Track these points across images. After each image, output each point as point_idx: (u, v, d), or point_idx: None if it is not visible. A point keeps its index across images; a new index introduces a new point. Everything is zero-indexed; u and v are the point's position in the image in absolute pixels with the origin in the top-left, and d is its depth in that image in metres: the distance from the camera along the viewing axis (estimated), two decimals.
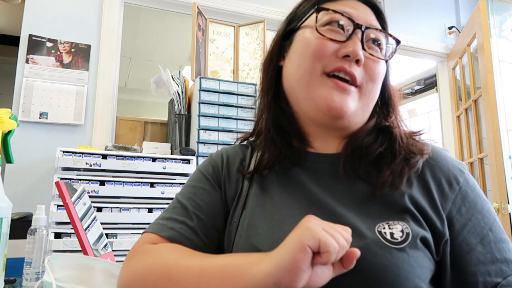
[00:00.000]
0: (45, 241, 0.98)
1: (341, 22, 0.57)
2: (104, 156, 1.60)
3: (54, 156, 1.55)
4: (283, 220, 0.54)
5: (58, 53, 1.98)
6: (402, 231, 0.50)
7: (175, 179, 1.69)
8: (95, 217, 1.03)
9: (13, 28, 3.59)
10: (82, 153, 1.57)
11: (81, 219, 0.95)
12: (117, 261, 0.96)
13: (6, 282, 0.96)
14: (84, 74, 2.00)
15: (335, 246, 0.40)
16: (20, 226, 1.12)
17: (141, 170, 1.64)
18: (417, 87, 3.61)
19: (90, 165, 1.57)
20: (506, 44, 2.87)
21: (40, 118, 1.89)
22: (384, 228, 0.50)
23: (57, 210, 1.44)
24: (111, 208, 1.56)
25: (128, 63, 4.66)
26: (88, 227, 0.96)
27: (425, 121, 3.84)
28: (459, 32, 2.91)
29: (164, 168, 1.68)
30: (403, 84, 3.55)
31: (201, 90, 1.93)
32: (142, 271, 0.52)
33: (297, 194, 0.58)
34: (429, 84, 3.49)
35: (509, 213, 2.20)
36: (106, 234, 1.28)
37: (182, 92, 2.07)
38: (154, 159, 1.67)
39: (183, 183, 1.68)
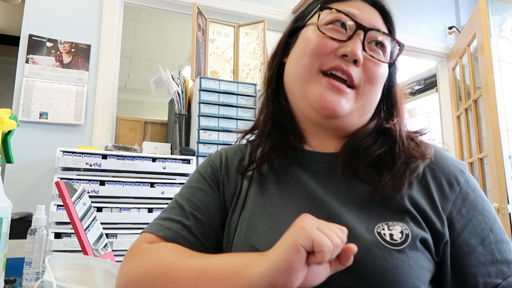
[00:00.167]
0: (45, 241, 0.98)
1: (344, 22, 0.57)
2: (104, 156, 1.60)
3: (54, 156, 1.54)
4: (282, 221, 0.54)
5: (58, 53, 1.98)
6: (401, 232, 0.50)
7: (175, 179, 1.69)
8: (95, 217, 1.03)
9: (13, 28, 3.59)
10: (82, 153, 1.57)
11: (81, 219, 0.95)
12: (117, 261, 0.96)
13: (6, 282, 0.96)
14: (84, 74, 2.00)
15: (329, 245, 0.40)
16: (20, 226, 1.12)
17: (141, 170, 1.64)
18: (417, 87, 3.61)
19: (90, 165, 1.56)
20: (506, 44, 2.87)
21: (40, 118, 1.89)
22: (383, 229, 0.50)
23: (57, 210, 1.44)
24: (111, 208, 1.56)
25: (128, 63, 4.66)
26: (88, 227, 0.96)
27: (425, 121, 3.84)
28: (459, 32, 2.91)
29: (164, 168, 1.68)
30: (403, 84, 3.54)
31: (201, 90, 1.93)
32: (140, 271, 0.52)
33: (296, 193, 0.58)
34: (429, 84, 3.49)
35: (509, 213, 2.20)
36: (106, 234, 1.28)
37: (182, 92, 2.07)
38: (154, 159, 1.67)
39: (183, 183, 1.68)
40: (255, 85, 2.06)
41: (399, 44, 0.60)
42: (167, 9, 2.38)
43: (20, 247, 1.00)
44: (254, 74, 2.25)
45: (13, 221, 0.91)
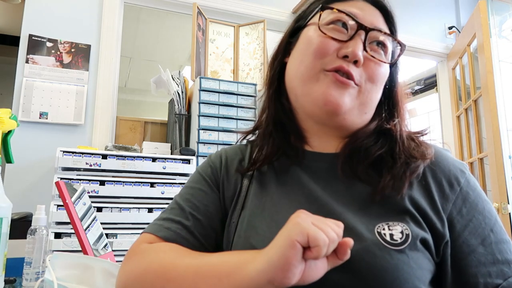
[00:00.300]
0: (45, 241, 0.98)
1: (345, 22, 0.57)
2: (104, 156, 1.60)
3: (54, 156, 1.54)
4: (282, 221, 0.54)
5: (58, 53, 1.98)
6: (401, 232, 0.49)
7: (175, 179, 1.69)
8: (95, 217, 1.03)
9: (13, 28, 3.59)
10: (82, 153, 1.57)
11: (81, 219, 0.95)
12: (117, 261, 0.96)
13: (6, 282, 0.96)
14: (84, 74, 2.00)
15: (325, 239, 0.40)
16: (20, 226, 1.12)
17: (141, 170, 1.64)
18: (417, 87, 3.61)
19: (90, 165, 1.56)
20: (506, 44, 2.87)
21: (40, 118, 1.89)
22: (383, 229, 0.50)
23: (57, 210, 1.44)
24: (111, 208, 1.56)
25: (128, 63, 4.66)
26: (88, 227, 0.96)
27: (425, 121, 3.84)
28: (459, 32, 2.91)
29: (164, 168, 1.68)
30: (403, 84, 3.54)
31: (201, 90, 1.93)
32: (140, 271, 0.52)
33: (296, 193, 0.58)
34: (429, 84, 3.49)
35: (509, 213, 2.20)
36: (106, 234, 1.28)
37: (182, 92, 2.07)
38: (154, 159, 1.67)
39: (183, 183, 1.68)
40: (255, 85, 2.06)
41: (401, 44, 0.60)
42: (167, 9, 2.38)
43: (20, 247, 1.00)
44: (254, 74, 2.25)
45: (13, 221, 0.91)
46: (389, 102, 0.63)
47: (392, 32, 0.61)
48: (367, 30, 0.57)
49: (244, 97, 2.01)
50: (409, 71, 3.61)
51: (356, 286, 0.47)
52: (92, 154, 1.59)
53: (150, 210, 1.61)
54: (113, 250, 1.13)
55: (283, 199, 0.58)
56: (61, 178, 1.49)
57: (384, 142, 0.58)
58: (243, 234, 0.56)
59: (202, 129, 1.90)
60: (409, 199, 0.53)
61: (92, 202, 1.07)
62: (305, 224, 0.41)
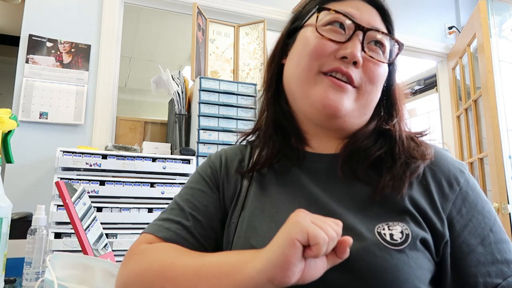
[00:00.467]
0: (45, 241, 0.98)
1: (342, 23, 0.57)
2: (104, 156, 1.60)
3: (54, 156, 1.54)
4: (282, 221, 0.54)
5: (58, 53, 1.98)
6: (401, 232, 0.50)
7: (175, 179, 1.69)
8: (95, 217, 1.03)
9: (13, 28, 3.59)
10: (82, 153, 1.57)
11: (81, 219, 0.95)
12: (117, 261, 0.96)
13: (6, 282, 0.96)
14: (84, 74, 2.00)
15: (324, 237, 0.40)
16: (20, 226, 1.12)
17: (141, 170, 1.64)
18: (417, 87, 3.61)
19: (90, 165, 1.57)
20: (506, 44, 2.87)
21: (40, 118, 1.89)
22: (383, 229, 0.50)
23: (57, 210, 1.44)
24: (111, 208, 1.56)
25: (128, 63, 4.66)
26: (88, 227, 0.96)
27: (425, 121, 3.84)
28: (459, 32, 2.91)
29: (164, 168, 1.68)
30: (403, 84, 3.54)
31: (201, 90, 1.93)
32: (139, 271, 0.52)
33: (296, 194, 0.58)
34: (429, 84, 3.49)
35: (509, 213, 2.20)
36: (106, 234, 1.28)
37: (182, 92, 2.07)
38: (154, 159, 1.67)
39: (183, 183, 1.68)
40: (255, 85, 2.06)
41: (398, 43, 0.60)
42: (167, 9, 2.38)
43: (20, 247, 1.00)
44: (254, 74, 2.25)
45: (13, 221, 0.91)
46: (388, 101, 0.62)
47: (390, 31, 0.61)
48: (364, 30, 0.56)
49: (244, 97, 2.01)
50: (409, 71, 3.61)
51: (356, 286, 0.47)
52: (92, 154, 1.59)
53: (150, 210, 1.61)
54: (113, 250, 1.13)
55: (283, 200, 0.58)
56: (61, 178, 1.49)
57: (384, 143, 0.58)
58: (243, 234, 0.56)
59: (202, 129, 1.90)
60: (409, 199, 0.53)
61: (92, 202, 1.07)
62: (305, 222, 0.41)
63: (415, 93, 3.64)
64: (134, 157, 1.64)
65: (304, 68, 0.57)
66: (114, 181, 1.58)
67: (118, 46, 2.18)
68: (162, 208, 1.63)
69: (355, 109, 0.57)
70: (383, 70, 0.59)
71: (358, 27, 0.56)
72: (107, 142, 1.97)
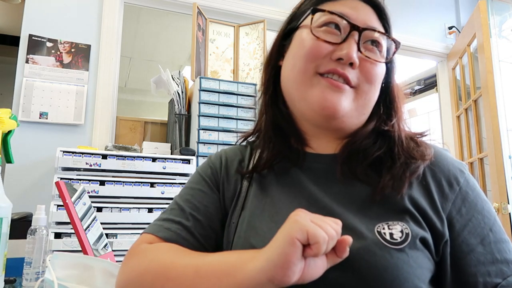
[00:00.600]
0: (45, 241, 0.98)
1: (338, 23, 0.57)
2: (104, 156, 1.60)
3: (54, 156, 1.54)
4: (282, 221, 0.54)
5: (58, 53, 1.98)
6: (401, 231, 0.50)
7: (175, 179, 1.69)
8: (95, 217, 1.03)
9: (13, 28, 3.59)
10: (82, 153, 1.57)
11: (81, 219, 0.95)
12: (117, 261, 0.96)
13: (6, 282, 0.96)
14: (84, 74, 2.00)
15: (324, 236, 0.40)
16: (20, 226, 1.12)
17: (141, 170, 1.64)
18: (417, 87, 3.61)
19: (90, 165, 1.57)
20: (506, 44, 2.87)
21: (40, 118, 1.89)
22: (383, 229, 0.50)
23: (57, 210, 1.44)
24: (111, 208, 1.56)
25: (128, 63, 4.66)
26: (88, 227, 0.96)
27: (425, 121, 3.84)
28: (459, 32, 2.91)
29: (164, 168, 1.68)
30: (403, 84, 3.55)
31: (201, 90, 1.93)
32: (139, 271, 0.52)
33: (296, 195, 0.58)
34: (429, 84, 3.49)
35: (509, 213, 2.20)
36: (106, 234, 1.28)
37: (182, 92, 2.07)
38: (154, 159, 1.67)
39: (183, 183, 1.68)
40: (255, 85, 2.06)
41: (395, 41, 0.59)
42: (167, 9, 2.38)
43: (20, 247, 1.00)
44: (254, 74, 2.25)
45: (13, 221, 0.91)
46: (386, 100, 0.62)
47: (386, 29, 0.60)
48: (360, 30, 0.56)
49: (244, 97, 2.01)
50: (409, 71, 3.61)
51: (356, 285, 0.47)
52: (92, 154, 1.59)
53: (150, 210, 1.61)
54: (113, 250, 1.13)
55: (283, 200, 0.58)
56: (61, 178, 1.49)
57: (383, 143, 0.58)
58: (243, 234, 0.56)
59: (202, 129, 1.90)
60: (409, 199, 0.53)
61: (92, 202, 1.07)
62: (304, 221, 0.41)
63: (415, 93, 3.64)
64: (134, 157, 1.64)
65: (300, 70, 0.57)
66: (114, 181, 1.58)
67: (118, 46, 2.18)
68: (162, 208, 1.63)
69: (353, 109, 0.57)
70: (381, 69, 0.58)
71: (353, 27, 0.56)
72: (107, 142, 1.97)
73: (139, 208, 1.59)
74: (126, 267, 0.55)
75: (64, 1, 2.04)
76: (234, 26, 2.34)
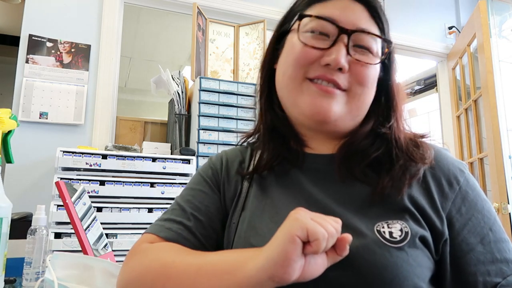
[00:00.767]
0: (45, 241, 0.98)
1: (326, 27, 0.56)
2: (104, 156, 1.60)
3: (54, 156, 1.55)
4: (282, 221, 0.54)
5: (58, 53, 1.98)
6: (401, 230, 0.50)
7: (175, 179, 1.69)
8: (95, 217, 1.03)
9: (13, 28, 3.59)
10: (82, 153, 1.57)
11: (81, 219, 0.95)
12: (117, 261, 0.96)
13: (6, 282, 0.96)
14: (84, 74, 2.00)
15: (324, 233, 0.40)
16: (20, 226, 1.12)
17: (141, 170, 1.64)
18: (417, 87, 3.61)
19: (90, 165, 1.57)
20: (506, 44, 2.87)
21: (40, 118, 1.89)
22: (383, 227, 0.50)
23: (57, 210, 1.44)
24: (111, 208, 1.56)
25: (128, 63, 4.66)
26: (88, 227, 0.96)
27: (425, 121, 3.84)
28: (459, 32, 2.91)
29: (164, 168, 1.68)
30: (403, 84, 3.55)
31: (201, 90, 1.93)
32: (140, 270, 0.52)
33: (296, 195, 0.58)
34: (429, 84, 3.49)
35: (509, 213, 2.20)
36: (106, 234, 1.28)
37: (182, 92, 2.07)
38: (154, 159, 1.67)
39: (183, 183, 1.68)
40: (255, 85, 2.06)
41: (387, 41, 0.58)
42: (167, 9, 2.38)
43: (20, 247, 1.00)
44: (254, 74, 2.25)
45: (13, 221, 0.91)
46: (384, 100, 0.61)
47: (380, 26, 0.58)
48: (349, 33, 0.55)
49: (244, 97, 2.01)
50: (409, 71, 3.61)
51: (356, 283, 0.47)
52: (92, 154, 1.59)
53: (150, 210, 1.61)
54: (113, 250, 1.13)
55: (283, 201, 0.58)
56: (61, 178, 1.49)
57: (381, 143, 0.58)
58: (243, 234, 0.57)
59: (202, 129, 1.90)
60: (409, 198, 0.53)
61: (92, 202, 1.07)
62: (304, 219, 0.41)
63: (415, 93, 3.64)
64: (134, 157, 1.64)
65: (290, 76, 0.57)
66: (114, 181, 1.58)
67: (118, 46, 2.19)
68: (162, 208, 1.63)
69: (346, 112, 0.56)
70: (373, 70, 0.57)
71: (341, 30, 0.55)
72: (107, 142, 1.97)
73: (139, 208, 1.59)
74: (127, 267, 0.55)
75: (64, 1, 2.04)
76: (234, 26, 2.34)
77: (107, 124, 2.01)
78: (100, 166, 1.58)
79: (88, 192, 1.50)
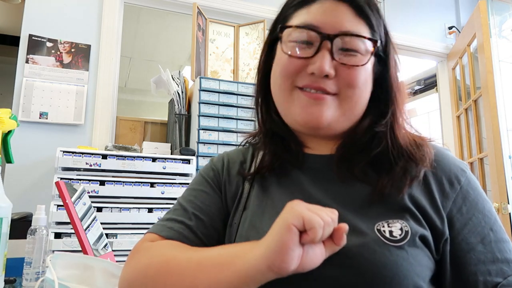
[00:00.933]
0: (45, 241, 0.98)
1: (308, 35, 0.55)
2: (104, 156, 1.60)
3: (54, 156, 1.55)
4: None
5: (58, 53, 1.98)
6: (401, 229, 0.50)
7: (175, 179, 1.69)
8: (95, 217, 1.03)
9: (13, 28, 3.59)
10: (82, 153, 1.57)
11: (81, 219, 0.95)
12: (117, 261, 0.96)
13: (6, 282, 0.96)
14: (84, 74, 2.00)
15: (319, 221, 0.40)
16: (20, 226, 1.12)
17: (141, 170, 1.64)
18: (417, 87, 3.62)
19: (90, 165, 1.57)
20: (506, 44, 2.87)
21: (40, 118, 1.89)
22: (383, 227, 0.50)
23: (57, 210, 1.44)
24: (111, 208, 1.56)
25: (128, 63, 4.66)
26: (88, 227, 0.96)
27: (425, 121, 3.84)
28: (459, 32, 2.91)
29: (164, 168, 1.68)
30: (400, 77, 3.55)
31: (201, 90, 1.93)
32: (142, 266, 0.53)
33: (296, 196, 0.57)
34: (429, 84, 3.49)
35: (509, 213, 2.20)
36: (106, 234, 1.28)
37: (182, 92, 2.07)
38: (154, 159, 1.67)
39: (183, 183, 1.68)
40: (255, 85, 2.06)
41: (371, 40, 0.56)
42: (167, 9, 2.38)
43: (20, 247, 1.00)
44: (254, 74, 2.25)
45: (13, 221, 0.91)
46: (382, 98, 0.59)
47: (369, 24, 0.56)
48: (331, 38, 0.54)
49: (244, 97, 2.01)
50: (409, 71, 3.61)
51: (356, 282, 0.47)
52: (92, 154, 1.59)
53: (150, 210, 1.61)
54: (113, 250, 1.13)
55: (284, 201, 0.57)
56: (61, 178, 1.49)
57: (379, 141, 0.57)
58: (244, 234, 0.57)
59: (202, 129, 1.90)
60: (409, 197, 0.53)
61: (92, 202, 1.07)
62: (300, 209, 0.42)
63: (415, 93, 3.64)
64: (134, 157, 1.64)
65: (280, 87, 0.58)
66: (114, 181, 1.58)
67: (118, 46, 2.19)
68: (162, 208, 1.63)
69: (339, 115, 0.56)
70: (363, 70, 0.56)
71: (323, 37, 0.54)
72: (107, 142, 1.97)
73: (139, 208, 1.59)
74: (129, 265, 0.55)
75: (64, 1, 2.04)
76: (234, 26, 2.34)
77: (107, 124, 2.01)
78: (100, 166, 1.58)
79: (88, 192, 1.50)
